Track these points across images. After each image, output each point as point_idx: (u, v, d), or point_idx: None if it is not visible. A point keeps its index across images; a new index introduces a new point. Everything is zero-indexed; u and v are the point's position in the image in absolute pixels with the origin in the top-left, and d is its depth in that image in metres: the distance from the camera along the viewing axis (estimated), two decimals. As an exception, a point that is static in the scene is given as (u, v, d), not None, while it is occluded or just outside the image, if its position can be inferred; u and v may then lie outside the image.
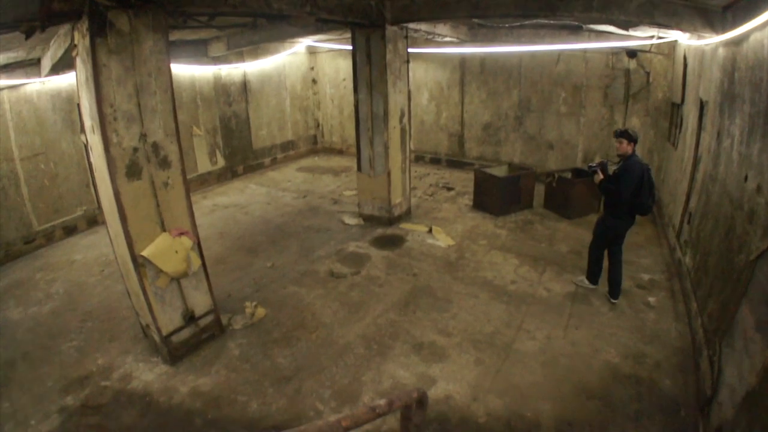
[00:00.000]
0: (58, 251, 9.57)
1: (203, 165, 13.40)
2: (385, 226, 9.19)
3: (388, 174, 9.01)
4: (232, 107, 14.00)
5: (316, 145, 16.91)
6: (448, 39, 10.49)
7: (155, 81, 5.02)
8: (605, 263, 6.56)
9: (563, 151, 11.32)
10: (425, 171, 13.07)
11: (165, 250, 5.26)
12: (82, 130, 5.63)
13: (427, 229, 8.91)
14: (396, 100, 8.84)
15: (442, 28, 9.66)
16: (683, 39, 7.92)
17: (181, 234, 5.44)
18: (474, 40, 11.04)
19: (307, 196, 11.82)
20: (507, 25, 9.79)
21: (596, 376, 5.05)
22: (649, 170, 5.96)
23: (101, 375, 5.53)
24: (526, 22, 9.16)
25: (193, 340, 5.80)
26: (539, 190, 10.02)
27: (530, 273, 7.21)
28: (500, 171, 10.04)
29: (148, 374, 5.46)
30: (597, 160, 7.67)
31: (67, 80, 10.09)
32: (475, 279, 7.11)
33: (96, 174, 5.47)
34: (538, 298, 6.54)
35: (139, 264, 5.11)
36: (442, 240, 8.41)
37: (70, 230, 10.53)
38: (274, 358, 5.60)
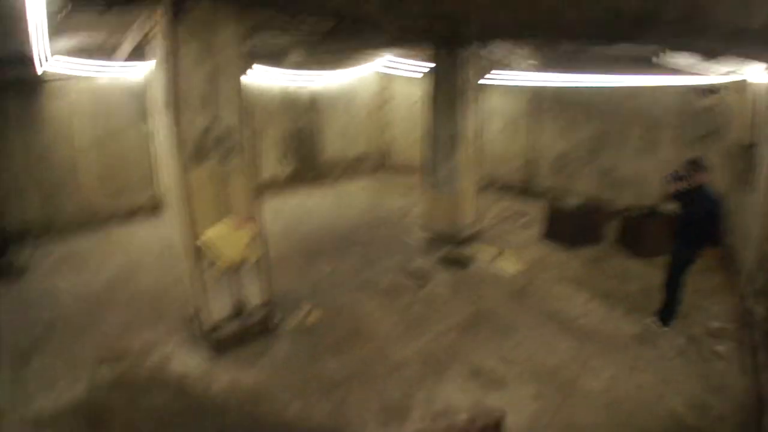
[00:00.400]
0: (119, 231, 9.80)
1: (272, 170, 13.49)
2: (452, 246, 8.89)
3: (458, 195, 8.79)
4: (304, 117, 14.05)
5: (384, 163, 16.63)
6: (523, 65, 10.23)
7: (230, 69, 5.03)
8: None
9: (636, 189, 10.77)
10: (496, 198, 12.71)
11: (226, 236, 5.21)
12: (153, 112, 5.66)
13: (495, 253, 8.60)
14: (470, 120, 8.63)
15: (517, 53, 9.40)
16: (753, 77, 7.50)
17: (244, 223, 5.38)
18: (548, 68, 10.73)
19: (374, 210, 11.70)
20: (583, 52, 9.44)
21: (659, 423, 4.68)
22: (719, 201, 5.75)
23: (141, 352, 5.52)
24: (601, 50, 8.81)
25: (242, 333, 5.67)
26: (611, 225, 9.58)
27: (598, 309, 6.80)
28: (572, 203, 9.66)
29: (189, 359, 5.40)
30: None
31: (138, 74, 10.47)
32: (542, 309, 6.76)
33: (163, 155, 5.56)
34: (605, 336, 6.14)
35: (198, 248, 5.07)
36: (510, 266, 8.08)
37: (133, 213, 10.79)
38: (323, 362, 5.42)
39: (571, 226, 9.00)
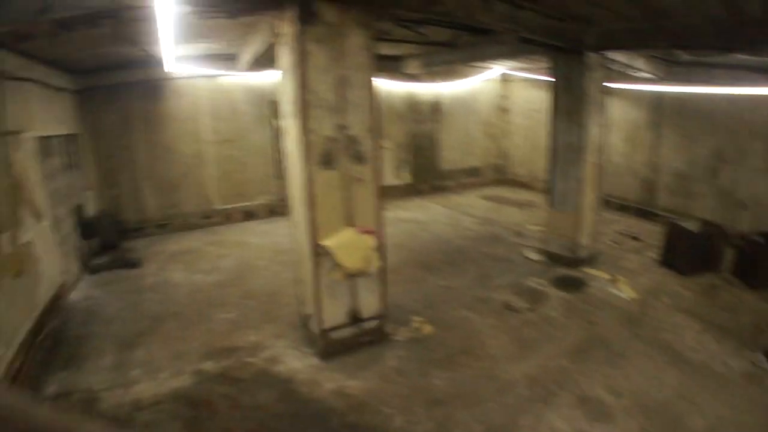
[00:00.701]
0: (233, 231, 10.16)
1: (388, 178, 13.56)
2: (567, 267, 8.61)
3: (578, 212, 8.48)
4: (422, 126, 14.11)
5: (501, 175, 16.31)
6: (643, 74, 9.79)
7: (359, 75, 5.05)
8: None
9: (757, 213, 10.04)
10: (612, 217, 12.18)
11: (348, 244, 5.24)
12: (279, 116, 5.82)
13: (610, 277, 8.24)
14: (593, 132, 8.29)
15: (638, 62, 9.03)
16: None
17: (367, 232, 5.39)
18: (669, 78, 10.19)
19: (490, 224, 11.49)
20: (703, 62, 8.94)
21: None
22: None
23: (248, 351, 5.66)
24: (720, 60, 8.30)
25: (352, 341, 5.67)
26: (728, 253, 8.97)
27: (710, 342, 6.35)
28: (691, 227, 9.10)
29: (296, 363, 5.46)
30: None
31: (262, 78, 10.80)
32: (654, 339, 6.40)
33: (289, 159, 5.61)
34: (715, 372, 5.71)
35: (318, 253, 5.13)
36: (625, 292, 7.72)
37: (249, 215, 11.20)
38: (431, 378, 5.33)
39: (688, 252, 8.48)
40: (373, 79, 5.19)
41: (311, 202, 4.97)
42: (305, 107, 4.79)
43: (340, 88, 4.95)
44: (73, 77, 9.36)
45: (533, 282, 7.99)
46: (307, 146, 4.85)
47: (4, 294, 5.44)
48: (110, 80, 9.77)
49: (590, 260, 8.89)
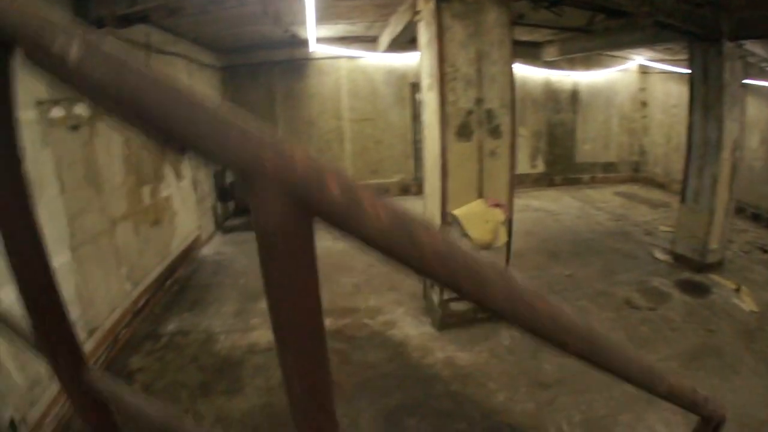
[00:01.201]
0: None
1: (522, 166, 13.48)
2: (693, 271, 8.21)
3: (711, 212, 8.04)
4: (559, 115, 13.82)
5: (637, 172, 15.55)
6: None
7: (497, 51, 5.09)
8: None
9: None
10: (744, 226, 11.35)
11: (476, 215, 5.31)
12: (417, 88, 5.98)
13: (734, 287, 7.74)
14: (731, 127, 7.76)
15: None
16: None
17: (497, 206, 5.43)
18: None
19: (621, 221, 11.17)
20: None
21: None
22: None
23: (367, 313, 5.92)
24: None
25: (469, 315, 5.74)
26: None
27: (828, 363, 5.86)
28: None
29: (411, 329, 5.63)
30: None
31: (402, 60, 11.00)
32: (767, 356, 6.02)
33: (426, 130, 5.75)
34: None
35: (446, 222, 5.26)
36: (747, 303, 7.22)
37: (382, 192, 11.45)
38: (540, 361, 5.30)
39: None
40: (512, 55, 5.21)
41: (444, 172, 5.10)
42: (443, 80, 4.91)
43: (478, 62, 5.01)
44: (218, 55, 10.14)
45: (657, 282, 7.74)
46: (444, 117, 4.98)
47: (140, 239, 6.06)
48: (254, 59, 10.47)
49: (717, 266, 8.42)
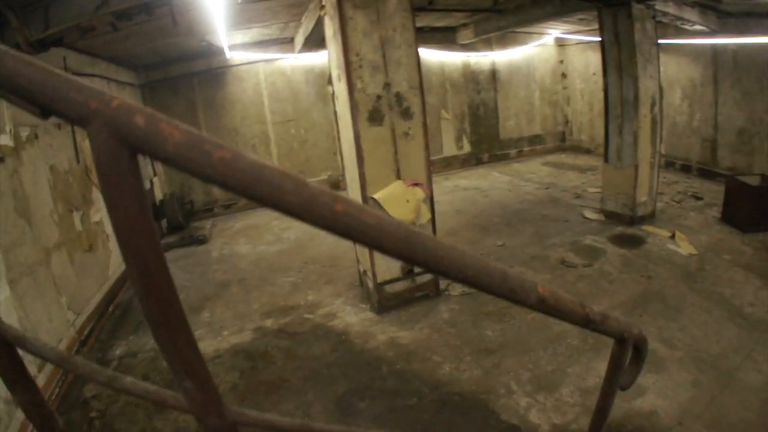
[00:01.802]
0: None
1: (449, 148, 13.75)
2: (626, 225, 8.54)
3: (636, 167, 8.34)
4: (481, 95, 14.06)
5: (563, 142, 16.06)
6: (697, 27, 9.45)
7: (400, 36, 5.20)
8: None
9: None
10: (675, 178, 11.84)
11: (397, 196, 5.43)
12: (330, 81, 6.06)
13: (669, 234, 8.07)
14: (646, 85, 8.12)
15: (689, 13, 8.74)
16: None
17: (415, 185, 5.55)
18: (724, 30, 9.82)
19: (550, 188, 11.48)
20: (759, 11, 8.53)
21: None
22: None
23: (307, 309, 5.96)
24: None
25: (406, 295, 5.87)
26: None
27: (769, 297, 6.19)
28: (753, 181, 8.74)
29: (352, 317, 5.70)
30: None
31: (319, 58, 11.09)
32: (712, 294, 6.25)
33: (340, 121, 5.86)
34: None
35: (369, 206, 5.30)
36: (683, 247, 7.55)
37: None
38: (482, 329, 5.43)
39: (749, 208, 8.16)
40: (415, 39, 5.33)
41: (360, 158, 5.19)
42: (349, 68, 5.00)
43: (383, 48, 5.12)
44: (137, 72, 10.03)
45: (590, 240, 7.96)
46: (354, 104, 5.08)
47: (76, 267, 5.95)
48: (173, 72, 10.37)
49: (649, 218, 8.76)
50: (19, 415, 3.97)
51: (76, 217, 6.34)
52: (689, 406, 4.31)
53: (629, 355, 1.82)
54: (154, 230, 0.61)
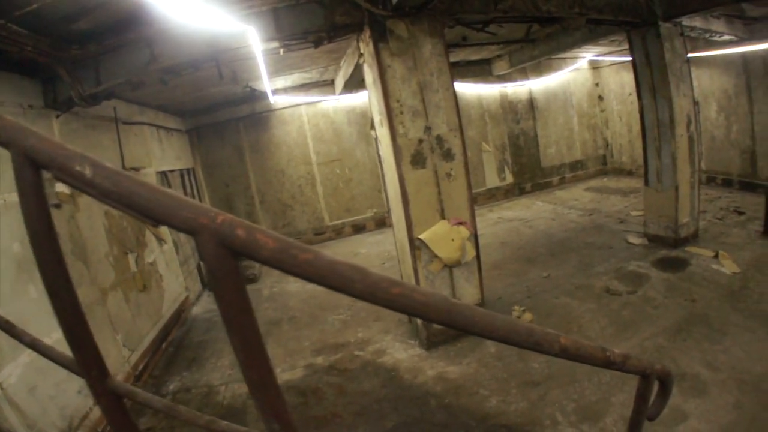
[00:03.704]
0: (344, 244, 10.83)
1: (491, 180, 13.88)
2: (669, 248, 8.47)
3: (676, 189, 8.29)
4: (520, 125, 14.20)
5: (604, 165, 16.04)
6: (726, 37, 9.41)
7: (437, 80, 5.43)
8: None
9: None
10: (716, 194, 11.61)
11: (442, 236, 5.58)
12: (372, 126, 6.30)
13: (712, 254, 7.95)
14: (681, 104, 8.09)
15: (716, 24, 8.78)
16: None
17: (460, 224, 5.71)
18: (752, 36, 9.78)
19: (593, 214, 11.45)
20: None
21: None
22: None
23: (357, 345, 6.12)
24: None
25: (453, 331, 5.93)
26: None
27: (816, 313, 6.05)
28: (794, 196, 8.54)
29: (401, 353, 5.83)
30: None
31: (360, 99, 11.42)
32: (756, 312, 6.13)
33: (384, 164, 6.14)
34: None
35: (416, 247, 5.53)
36: (727, 266, 7.43)
37: (358, 228, 11.86)
38: (528, 362, 5.48)
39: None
40: (452, 81, 5.55)
41: (405, 200, 5.40)
42: (391, 114, 5.25)
43: (421, 93, 5.36)
44: (183, 119, 10.55)
45: (634, 265, 7.92)
46: (397, 149, 5.31)
47: (131, 305, 6.28)
48: (219, 117, 10.83)
49: (692, 238, 8.68)
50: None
51: (131, 258, 6.70)
52: (730, 428, 4.29)
53: (653, 389, 1.97)
54: (250, 310, 0.83)
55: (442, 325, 0.97)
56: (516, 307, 6.71)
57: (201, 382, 5.91)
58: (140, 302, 6.63)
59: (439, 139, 5.48)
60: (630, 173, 15.13)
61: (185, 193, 9.48)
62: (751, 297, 6.50)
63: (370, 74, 5.64)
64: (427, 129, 5.41)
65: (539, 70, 14.01)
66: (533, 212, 12.33)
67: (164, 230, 7.82)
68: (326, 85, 10.96)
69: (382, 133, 5.65)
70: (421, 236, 5.48)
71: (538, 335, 1.19)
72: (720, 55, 11.26)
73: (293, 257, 0.77)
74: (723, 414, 4.46)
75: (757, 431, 4.27)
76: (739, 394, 4.68)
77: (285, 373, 5.72)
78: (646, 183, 8.85)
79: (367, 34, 5.26)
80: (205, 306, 8.68)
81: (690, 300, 6.61)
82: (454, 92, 5.56)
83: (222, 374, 6.01)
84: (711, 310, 6.28)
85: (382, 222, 11.88)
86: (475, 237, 5.90)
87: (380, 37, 5.12)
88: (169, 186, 8.63)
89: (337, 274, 0.81)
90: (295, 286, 8.74)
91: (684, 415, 4.46)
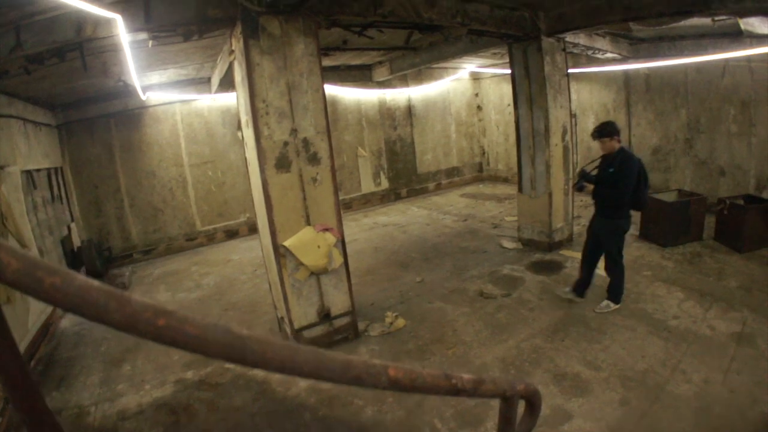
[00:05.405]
0: (216, 251, 10.39)
1: (367, 186, 13.86)
2: (543, 252, 8.79)
3: (550, 195, 8.61)
4: (397, 131, 14.30)
5: (481, 172, 16.57)
6: (609, 55, 9.96)
7: (307, 81, 5.25)
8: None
9: (735, 177, 10.03)
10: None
11: (307, 243, 5.39)
12: (240, 127, 6.01)
13: (585, 257, 8.35)
14: (557, 115, 8.45)
15: (601, 42, 9.24)
16: None
17: (326, 230, 5.55)
18: (636, 55, 10.48)
19: (468, 220, 11.69)
20: (664, 26, 8.90)
21: (750, 428, 4.30)
22: (641, 162, 5.78)
23: (226, 359, 5.82)
24: (681, 23, 8.21)
25: (325, 339, 5.81)
26: (709, 221, 9.02)
27: (694, 309, 6.38)
28: (669, 198, 9.14)
29: (272, 365, 5.59)
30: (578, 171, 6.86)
31: (235, 99, 10.95)
32: (634, 311, 6.45)
33: (249, 167, 5.84)
34: (700, 337, 5.73)
35: (281, 254, 5.31)
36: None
37: (231, 234, 11.42)
38: (402, 370, 5.44)
39: (667, 223, 8.56)
40: (322, 83, 5.39)
41: (269, 205, 5.16)
42: (256, 115, 4.99)
43: (289, 94, 5.14)
44: (54, 112, 9.68)
45: (508, 269, 8.11)
46: (261, 151, 5.05)
47: (-7, 321, 5.62)
48: (90, 113, 10.03)
49: (567, 242, 9.06)
50: None
51: (-10, 268, 6.04)
52: (620, 425, 4.37)
53: (516, 410, 1.85)
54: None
55: (227, 361, 0.79)
56: (389, 313, 6.65)
57: (71, 403, 5.41)
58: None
59: (306, 143, 5.30)
60: (506, 180, 15.79)
61: (52, 195, 8.71)
62: (629, 296, 6.80)
63: (239, 72, 5.37)
64: (293, 131, 5.21)
65: (420, 78, 14.24)
66: (408, 217, 12.49)
67: (28, 235, 7.12)
68: (202, 83, 10.52)
69: (248, 134, 5.41)
70: (286, 243, 5.28)
71: (359, 368, 1.03)
72: (602, 71, 11.96)
73: (38, 281, 0.65)
74: (609, 411, 4.56)
75: (647, 426, 4.38)
76: (624, 391, 4.81)
77: (155, 390, 5.35)
78: (520, 190, 9.14)
79: (238, 29, 4.99)
80: (74, 318, 8.01)
81: (566, 301, 6.84)
82: (324, 94, 5.41)
83: (91, 393, 5.55)
84: (588, 311, 6.50)
85: (256, 227, 11.43)
86: (342, 243, 5.77)
87: (252, 33, 4.88)
88: (35, 188, 7.87)
89: (90, 302, 0.69)
90: (165, 295, 8.32)
91: (568, 414, 4.53)
